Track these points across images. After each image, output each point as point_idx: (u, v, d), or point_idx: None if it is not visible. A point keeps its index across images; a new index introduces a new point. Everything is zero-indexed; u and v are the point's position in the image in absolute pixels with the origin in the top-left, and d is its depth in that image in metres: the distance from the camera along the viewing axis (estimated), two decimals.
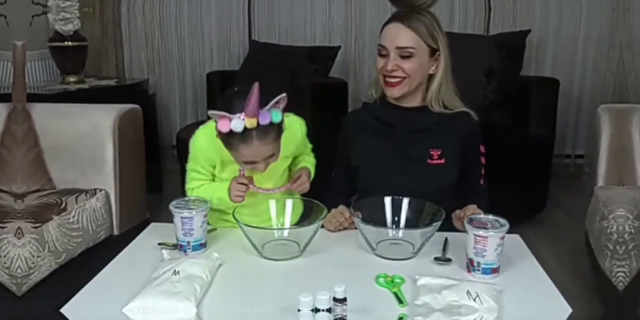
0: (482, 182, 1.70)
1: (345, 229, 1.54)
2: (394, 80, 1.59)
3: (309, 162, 1.64)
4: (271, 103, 1.30)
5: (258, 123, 1.29)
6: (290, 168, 1.63)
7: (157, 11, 3.91)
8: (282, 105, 1.33)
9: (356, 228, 1.41)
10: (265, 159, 1.39)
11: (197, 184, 1.55)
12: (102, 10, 3.77)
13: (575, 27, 3.77)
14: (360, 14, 3.84)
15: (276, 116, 1.31)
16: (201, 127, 1.51)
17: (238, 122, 1.28)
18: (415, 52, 1.56)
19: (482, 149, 1.69)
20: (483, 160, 1.69)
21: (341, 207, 1.57)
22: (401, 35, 1.56)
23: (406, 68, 1.57)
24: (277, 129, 1.35)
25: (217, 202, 1.49)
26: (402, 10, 1.61)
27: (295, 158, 1.63)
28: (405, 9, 1.60)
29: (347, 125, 1.74)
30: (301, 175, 1.55)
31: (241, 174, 1.48)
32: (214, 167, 1.53)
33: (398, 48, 1.57)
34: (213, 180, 1.56)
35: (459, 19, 3.76)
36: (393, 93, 1.62)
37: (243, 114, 1.28)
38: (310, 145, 1.66)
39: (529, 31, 3.28)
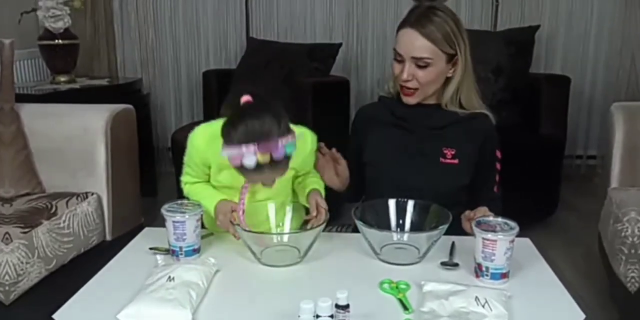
0: (495, 189, 1.66)
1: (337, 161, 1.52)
2: (408, 90, 1.58)
3: (317, 184, 1.56)
4: (284, 139, 1.24)
5: (271, 157, 1.24)
6: (293, 188, 1.58)
7: (150, 7, 3.88)
8: (294, 139, 1.27)
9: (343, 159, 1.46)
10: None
11: (191, 179, 1.52)
12: (94, 7, 3.73)
13: (587, 23, 3.73)
14: (363, 10, 3.81)
15: (290, 149, 1.26)
16: (203, 125, 1.47)
17: (250, 158, 1.23)
18: (431, 62, 1.53)
19: (499, 154, 1.65)
20: (498, 166, 1.65)
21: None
22: (416, 45, 1.52)
23: (421, 77, 1.54)
24: (289, 157, 1.30)
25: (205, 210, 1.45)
26: (418, 11, 1.56)
27: (298, 177, 1.57)
28: (425, 2, 1.54)
29: (360, 117, 1.74)
30: (319, 207, 1.44)
31: (240, 204, 1.42)
32: (209, 167, 1.48)
33: (414, 58, 1.53)
34: (208, 180, 1.52)
35: (465, 14, 3.72)
36: (409, 101, 1.60)
37: (255, 146, 1.22)
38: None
39: (538, 27, 3.27)
